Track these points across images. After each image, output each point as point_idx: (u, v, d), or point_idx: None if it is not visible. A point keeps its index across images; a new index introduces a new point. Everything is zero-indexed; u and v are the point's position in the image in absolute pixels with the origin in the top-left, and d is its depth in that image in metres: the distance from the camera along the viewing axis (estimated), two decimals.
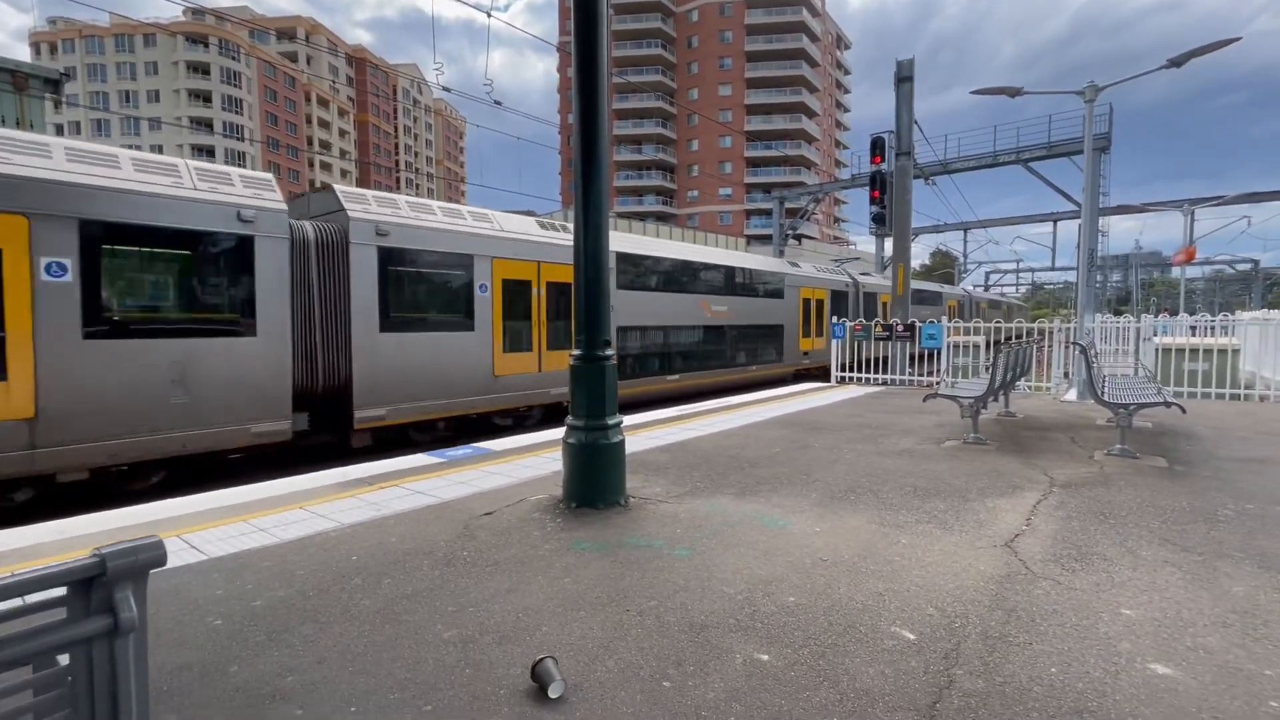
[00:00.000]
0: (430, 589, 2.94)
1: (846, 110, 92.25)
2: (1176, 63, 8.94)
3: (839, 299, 21.62)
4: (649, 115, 71.85)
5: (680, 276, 14.71)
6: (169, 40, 65.46)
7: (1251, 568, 3.04)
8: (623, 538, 3.61)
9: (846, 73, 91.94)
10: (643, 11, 71.08)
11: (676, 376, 14.23)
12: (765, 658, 2.28)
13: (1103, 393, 5.58)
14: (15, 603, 0.85)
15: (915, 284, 27.67)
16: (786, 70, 69.76)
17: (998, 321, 11.73)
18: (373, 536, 3.73)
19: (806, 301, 19.52)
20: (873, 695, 2.04)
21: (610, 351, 4.25)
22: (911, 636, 2.42)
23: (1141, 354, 11.19)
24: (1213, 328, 10.56)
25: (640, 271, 13.45)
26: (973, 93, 10.18)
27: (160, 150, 65.32)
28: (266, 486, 5.02)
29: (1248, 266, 50.87)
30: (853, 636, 2.42)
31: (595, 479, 4.15)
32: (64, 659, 0.83)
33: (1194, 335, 11.39)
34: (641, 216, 61.14)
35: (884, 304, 24.51)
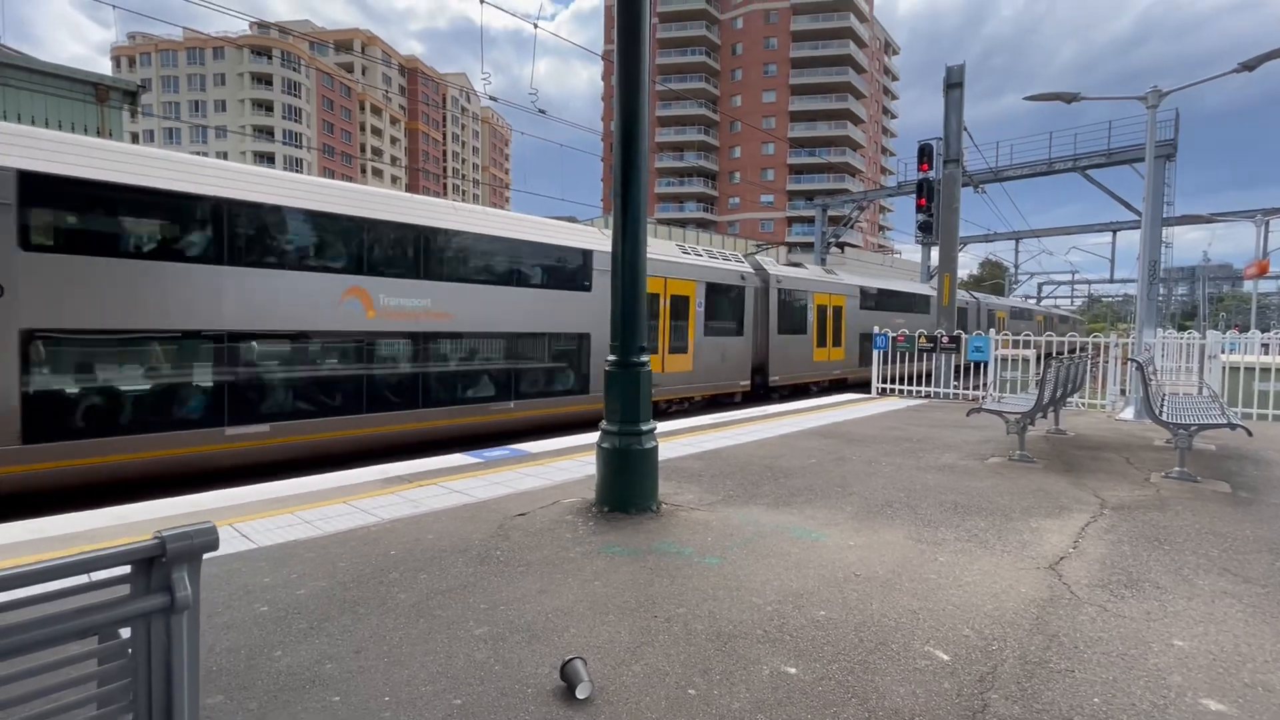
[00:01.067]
0: (464, 586, 3.01)
1: (893, 117, 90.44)
2: (1249, 66, 8.48)
3: (723, 297, 14.47)
4: (691, 122, 71.91)
5: (292, 238, 7.94)
6: (236, 53, 68.99)
7: None
8: (653, 544, 3.62)
9: (894, 78, 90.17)
10: (687, 19, 71.29)
11: (262, 429, 7.57)
12: (793, 671, 2.26)
13: (1161, 412, 5.31)
14: (82, 579, 0.92)
15: (887, 284, 22.97)
16: (832, 77, 68.85)
17: (1048, 335, 11.00)
18: (411, 532, 3.84)
19: (652, 298, 12.21)
20: (902, 715, 2.00)
21: (645, 358, 4.28)
22: (945, 657, 2.35)
23: (1207, 372, 10.60)
24: None
25: (156, 219, 7.04)
26: (1026, 99, 9.88)
27: (225, 156, 68.79)
28: (312, 480, 5.22)
29: None
30: (884, 654, 2.38)
31: (628, 484, 4.17)
32: (125, 633, 0.91)
33: (1266, 353, 10.72)
34: (682, 223, 61.17)
35: (823, 308, 18.45)
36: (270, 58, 69.47)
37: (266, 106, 71.61)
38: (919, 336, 12.08)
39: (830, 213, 33.04)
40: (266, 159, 69.27)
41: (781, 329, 16.85)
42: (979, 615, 2.70)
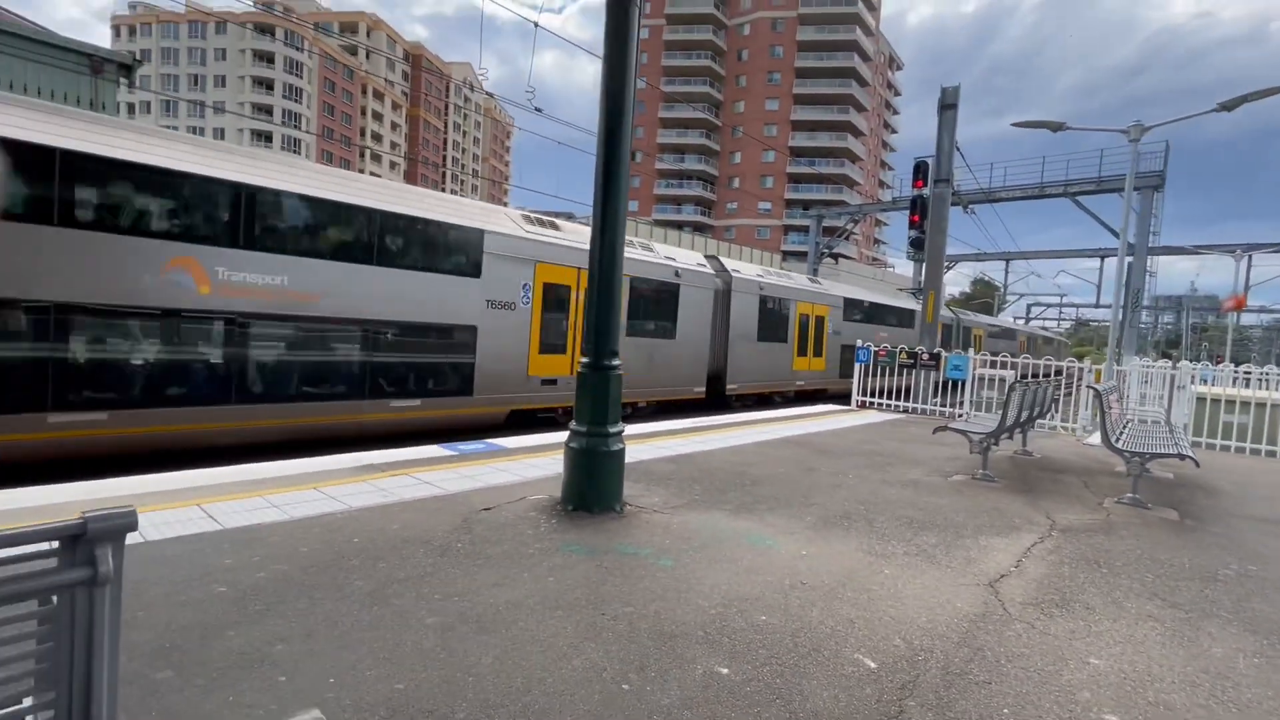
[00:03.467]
0: (421, 575, 3.09)
1: (894, 131, 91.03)
2: (1227, 107, 8.70)
3: None
4: (694, 125, 72.06)
5: None
6: (238, 28, 68.40)
7: (1237, 630, 2.99)
8: (612, 543, 3.72)
9: (897, 93, 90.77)
10: (695, 23, 71.43)
11: None
12: (725, 671, 2.36)
13: (1118, 439, 5.47)
14: (18, 550, 1.01)
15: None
16: (835, 88, 69.24)
17: (1006, 354, 11.18)
18: (376, 521, 3.91)
19: None
20: (820, 717, 2.11)
21: (617, 361, 4.38)
22: (872, 665, 2.47)
23: (1178, 402, 10.83)
24: (1249, 379, 10.17)
25: None
26: (1014, 124, 10.07)
27: (223, 133, 68.20)
28: (286, 465, 5.27)
29: None
30: (815, 659, 2.49)
31: (592, 484, 4.27)
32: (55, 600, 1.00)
33: (1245, 386, 10.93)
34: (679, 225, 61.32)
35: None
36: (273, 35, 68.92)
37: (267, 85, 71.05)
38: (900, 352, 12.28)
39: (825, 223, 33.27)
40: (264, 138, 68.73)
41: None
42: (912, 627, 2.81)
